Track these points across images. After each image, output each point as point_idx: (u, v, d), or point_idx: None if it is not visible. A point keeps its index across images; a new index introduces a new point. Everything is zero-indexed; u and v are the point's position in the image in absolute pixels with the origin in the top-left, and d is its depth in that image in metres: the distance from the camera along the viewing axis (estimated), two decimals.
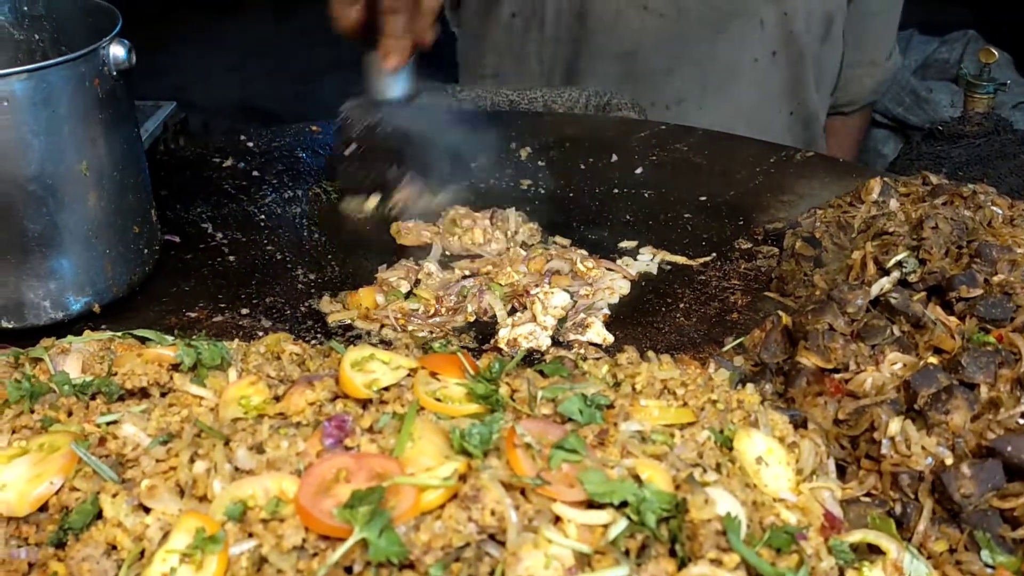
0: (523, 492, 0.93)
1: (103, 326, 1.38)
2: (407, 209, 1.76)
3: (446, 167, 1.80)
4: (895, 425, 1.09)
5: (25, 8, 1.52)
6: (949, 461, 1.06)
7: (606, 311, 1.54)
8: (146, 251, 1.55)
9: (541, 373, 1.16)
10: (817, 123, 2.59)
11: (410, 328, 1.47)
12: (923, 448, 1.07)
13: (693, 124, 2.22)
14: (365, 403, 1.04)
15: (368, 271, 1.62)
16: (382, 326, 1.47)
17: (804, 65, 2.46)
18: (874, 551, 1.00)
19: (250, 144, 2.05)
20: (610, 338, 1.47)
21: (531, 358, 1.42)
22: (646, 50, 2.36)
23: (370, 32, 1.63)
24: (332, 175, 1.84)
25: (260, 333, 1.45)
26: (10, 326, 1.42)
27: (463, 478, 0.93)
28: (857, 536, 1.00)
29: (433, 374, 1.10)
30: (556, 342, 1.47)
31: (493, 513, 0.89)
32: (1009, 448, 1.03)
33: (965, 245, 1.37)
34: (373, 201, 1.77)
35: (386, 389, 1.06)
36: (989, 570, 0.98)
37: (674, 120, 2.32)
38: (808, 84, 2.49)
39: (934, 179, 1.60)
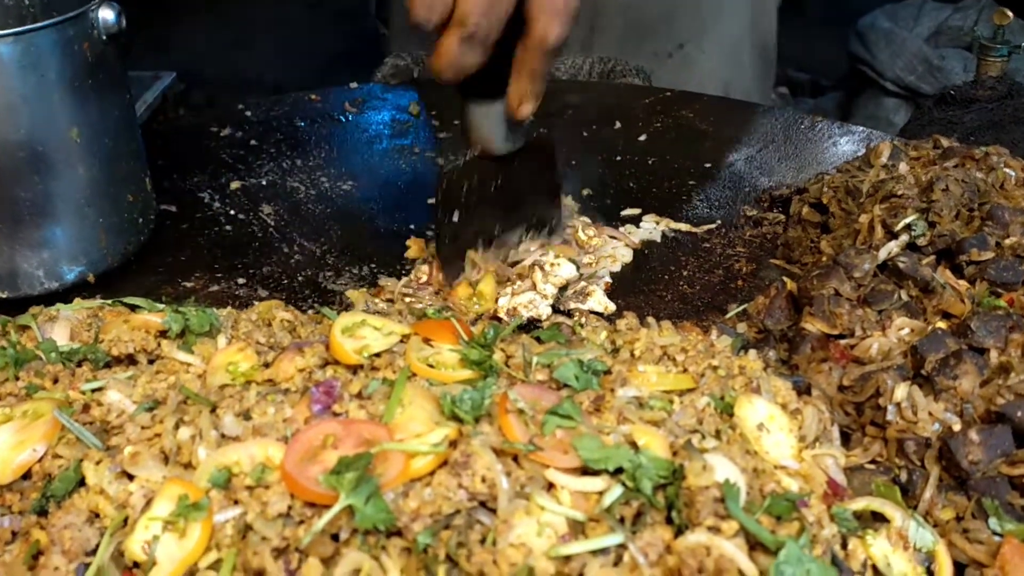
0: (515, 459, 0.90)
1: (97, 296, 1.36)
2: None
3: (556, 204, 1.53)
4: (901, 391, 1.06)
5: None
6: (957, 427, 1.03)
7: (607, 279, 1.51)
8: (141, 220, 1.53)
9: (537, 339, 1.13)
10: (772, 51, 2.54)
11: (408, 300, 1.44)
12: (930, 414, 1.04)
13: (695, 71, 2.18)
14: (355, 369, 1.02)
15: (363, 241, 1.59)
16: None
17: None
18: (878, 519, 0.97)
19: (248, 113, 2.02)
20: (611, 306, 1.44)
21: (531, 327, 1.39)
22: None
23: (480, 79, 1.25)
24: (438, 248, 1.46)
25: (256, 303, 1.42)
26: (4, 296, 1.40)
27: (454, 444, 0.90)
28: (861, 504, 0.97)
29: (426, 340, 1.07)
30: (556, 310, 1.44)
31: (484, 480, 0.87)
32: (1019, 413, 1.00)
33: (976, 207, 1.33)
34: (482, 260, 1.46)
35: (378, 355, 1.03)
36: (997, 538, 0.95)
37: (676, 68, 2.28)
38: (772, 17, 2.45)
39: (945, 142, 1.56)
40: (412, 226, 1.64)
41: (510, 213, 1.46)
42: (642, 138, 1.96)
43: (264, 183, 1.78)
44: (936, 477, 1.01)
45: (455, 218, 1.40)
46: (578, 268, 1.51)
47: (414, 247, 1.56)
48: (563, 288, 1.48)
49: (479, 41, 1.16)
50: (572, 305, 1.45)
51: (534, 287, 1.47)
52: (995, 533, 0.95)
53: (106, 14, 1.35)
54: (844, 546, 0.92)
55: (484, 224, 1.44)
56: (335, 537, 0.85)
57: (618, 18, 2.34)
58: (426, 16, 1.15)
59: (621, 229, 1.64)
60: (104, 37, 1.36)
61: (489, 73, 1.23)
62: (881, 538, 0.93)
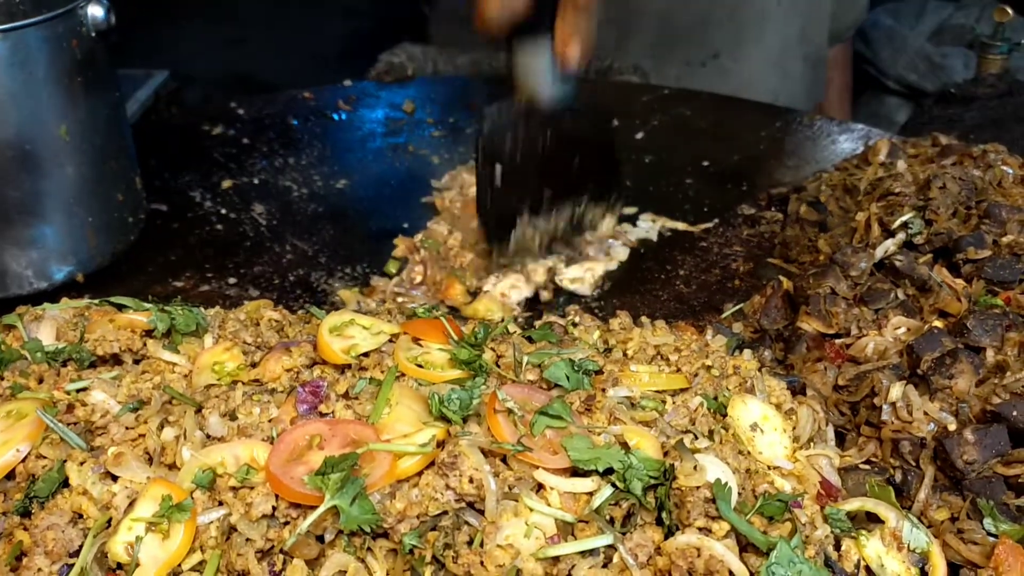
0: (504, 459, 0.89)
1: (86, 296, 1.35)
2: (586, 229, 1.45)
3: (618, 178, 1.45)
4: (896, 390, 1.05)
5: None
6: (952, 427, 1.01)
7: (600, 272, 1.51)
8: (131, 219, 1.52)
9: (529, 339, 1.12)
10: (823, 66, 2.53)
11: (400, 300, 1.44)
12: (925, 414, 1.03)
13: (731, 80, 2.16)
14: (343, 369, 1.01)
15: (356, 241, 1.58)
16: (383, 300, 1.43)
17: (820, 5, 2.38)
18: (873, 520, 0.96)
19: (241, 111, 2.00)
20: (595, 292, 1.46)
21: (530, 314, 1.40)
22: (679, 5, 2.28)
23: (523, 26, 1.27)
24: (480, 216, 1.39)
25: (247, 303, 1.42)
26: None
27: (441, 445, 0.89)
28: (855, 504, 0.95)
29: (416, 339, 1.06)
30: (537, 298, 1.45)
31: (471, 480, 0.86)
32: (1015, 413, 0.98)
33: (974, 205, 1.31)
34: (530, 231, 1.38)
35: (366, 355, 1.02)
36: (992, 538, 0.93)
37: (711, 77, 2.25)
38: (824, 25, 2.43)
39: (944, 140, 1.54)
40: (406, 225, 1.62)
41: (562, 178, 1.35)
42: (639, 136, 1.94)
43: (256, 182, 1.77)
44: (931, 477, 0.99)
45: (498, 178, 1.30)
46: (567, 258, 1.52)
47: (401, 246, 1.55)
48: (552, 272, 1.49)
49: None
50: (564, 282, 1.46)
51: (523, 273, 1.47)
52: (989, 534, 0.94)
53: (95, 11, 1.34)
54: (837, 547, 0.91)
55: (532, 186, 1.33)
56: (320, 538, 0.84)
57: (651, 24, 2.32)
58: None
59: (617, 227, 1.63)
60: (93, 34, 1.35)
61: (538, 17, 1.23)
62: (875, 539, 0.92)
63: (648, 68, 2.22)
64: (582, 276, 1.47)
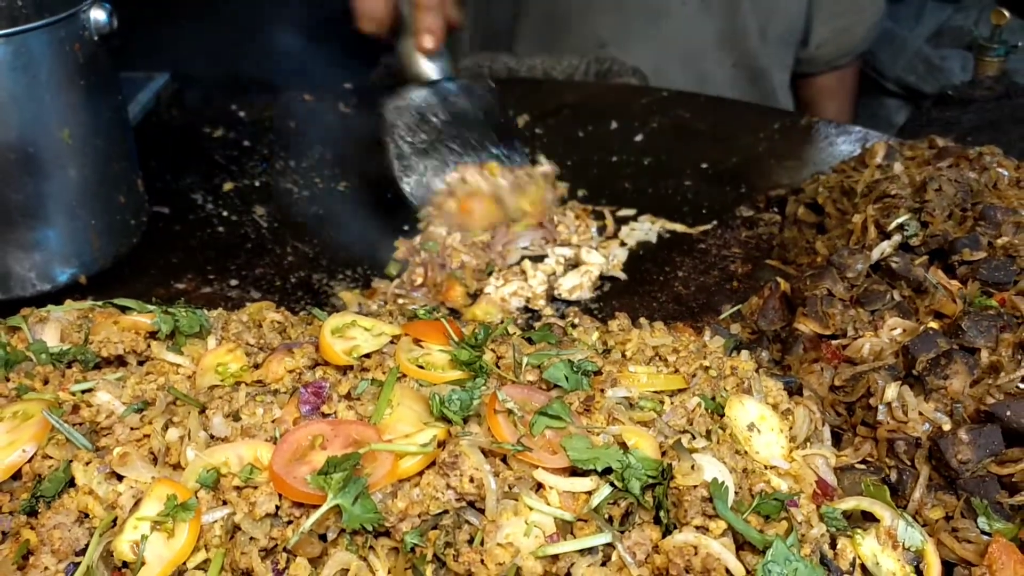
0: (504, 459, 0.90)
1: (89, 298, 1.36)
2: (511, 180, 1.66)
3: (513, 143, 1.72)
4: (892, 391, 1.06)
5: None
6: (947, 427, 1.02)
7: (595, 273, 1.52)
8: (133, 222, 1.53)
9: (529, 340, 1.13)
10: (767, 79, 2.50)
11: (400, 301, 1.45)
12: (920, 414, 1.04)
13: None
14: (345, 370, 1.02)
15: (356, 243, 1.59)
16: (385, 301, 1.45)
17: (741, 13, 2.37)
18: (868, 519, 0.97)
19: (242, 114, 2.02)
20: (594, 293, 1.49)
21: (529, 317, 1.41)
22: None
23: (397, 25, 1.62)
24: (395, 177, 1.67)
25: (248, 305, 1.42)
26: None
27: (442, 445, 0.90)
28: (850, 503, 0.97)
29: (417, 341, 1.07)
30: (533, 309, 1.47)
31: (472, 480, 0.87)
32: (1008, 413, 0.99)
33: (969, 208, 1.33)
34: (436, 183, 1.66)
35: (367, 356, 1.03)
36: (986, 537, 0.95)
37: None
38: (749, 34, 2.41)
39: (941, 142, 1.55)
40: (406, 227, 1.64)
41: (458, 141, 1.67)
42: (638, 138, 1.95)
43: (257, 184, 1.78)
44: (926, 477, 1.01)
45: (403, 147, 1.65)
46: (566, 259, 1.53)
47: (402, 248, 1.56)
48: (552, 277, 1.50)
49: None
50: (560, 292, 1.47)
51: (524, 276, 1.48)
52: (984, 532, 0.95)
53: (97, 15, 1.35)
54: (833, 545, 0.92)
55: (434, 150, 1.66)
56: (323, 537, 0.85)
57: (538, 12, 2.36)
58: None
59: (616, 229, 1.65)
60: (96, 38, 1.36)
61: (401, 22, 1.62)
62: (870, 537, 0.93)
63: (536, 55, 2.29)
64: (580, 282, 1.48)
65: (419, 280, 1.50)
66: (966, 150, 1.49)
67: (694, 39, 2.39)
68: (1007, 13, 2.11)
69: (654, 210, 1.70)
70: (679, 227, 1.66)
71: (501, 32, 2.46)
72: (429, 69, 1.65)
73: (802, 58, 2.56)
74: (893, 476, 1.02)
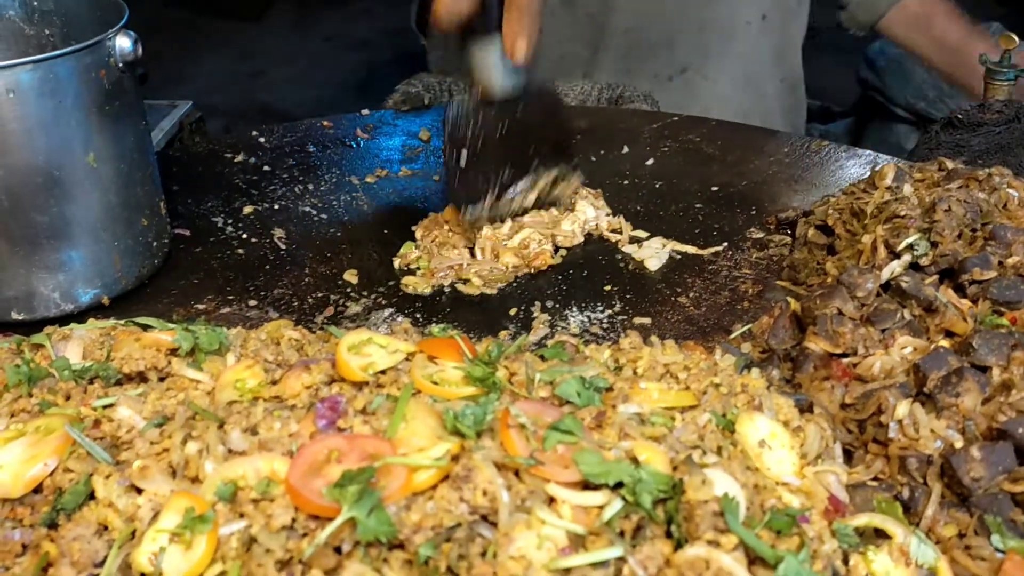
0: (517, 473, 0.91)
1: (112, 318, 1.39)
2: (562, 200, 1.66)
3: (569, 150, 1.67)
4: (903, 408, 1.07)
5: (35, 3, 1.54)
6: (959, 444, 1.03)
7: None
8: (155, 244, 1.56)
9: (541, 357, 1.14)
10: (801, 88, 2.60)
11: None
12: (932, 431, 1.04)
13: (700, 95, 2.22)
14: (361, 386, 1.03)
15: (376, 262, 1.62)
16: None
17: (793, 28, 2.43)
18: (880, 536, 0.97)
19: (262, 140, 2.05)
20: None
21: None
22: (647, 22, 2.36)
23: (475, 25, 1.45)
24: (451, 192, 1.61)
25: (267, 324, 1.45)
26: (20, 318, 1.43)
27: (456, 459, 0.91)
28: (862, 520, 0.97)
29: (431, 358, 1.09)
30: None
31: (485, 493, 0.88)
32: (1021, 430, 1.00)
33: (979, 227, 1.34)
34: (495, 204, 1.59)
35: (383, 372, 1.05)
36: (999, 555, 0.95)
37: (681, 91, 2.32)
38: (797, 48, 2.48)
39: (950, 164, 1.57)
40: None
41: (519, 159, 1.55)
42: (649, 162, 1.98)
43: (276, 207, 1.81)
44: (938, 494, 1.01)
45: (462, 161, 1.50)
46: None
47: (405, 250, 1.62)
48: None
49: None
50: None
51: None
52: (997, 550, 0.95)
53: (123, 42, 1.39)
54: (845, 562, 0.92)
55: (492, 169, 1.54)
56: (338, 549, 0.86)
57: (620, 40, 2.38)
58: None
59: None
60: (121, 65, 1.40)
61: (487, 17, 1.41)
62: (883, 554, 0.93)
63: (619, 82, 2.29)
64: (572, 230, 1.61)
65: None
66: (975, 171, 1.50)
67: (755, 57, 2.45)
68: (1016, 38, 2.13)
69: (665, 232, 1.72)
70: (690, 249, 1.68)
71: (573, 60, 2.47)
72: (507, 81, 1.48)
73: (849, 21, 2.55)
74: (905, 493, 1.03)
